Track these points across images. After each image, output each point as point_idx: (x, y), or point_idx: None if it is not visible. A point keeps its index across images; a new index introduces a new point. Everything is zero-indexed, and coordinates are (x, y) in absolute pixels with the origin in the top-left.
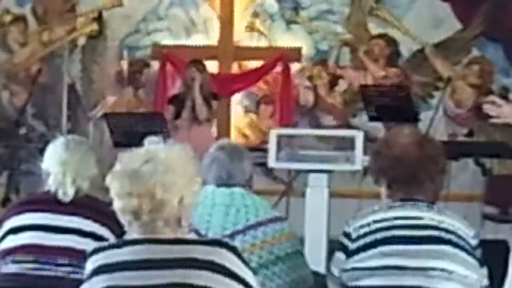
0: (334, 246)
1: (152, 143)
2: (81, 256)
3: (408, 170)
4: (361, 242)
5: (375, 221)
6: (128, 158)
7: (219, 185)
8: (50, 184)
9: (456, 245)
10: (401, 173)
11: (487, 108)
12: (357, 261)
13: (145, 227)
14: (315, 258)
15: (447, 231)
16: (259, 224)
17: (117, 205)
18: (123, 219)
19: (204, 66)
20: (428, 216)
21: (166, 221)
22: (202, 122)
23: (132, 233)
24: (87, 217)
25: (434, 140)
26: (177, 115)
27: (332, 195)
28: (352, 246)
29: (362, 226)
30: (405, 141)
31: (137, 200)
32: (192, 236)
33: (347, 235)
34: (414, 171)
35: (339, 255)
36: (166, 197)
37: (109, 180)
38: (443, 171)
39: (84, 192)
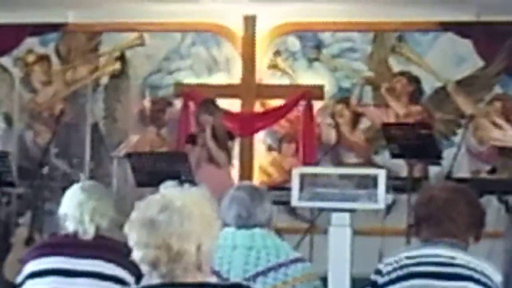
0: (357, 284)
1: (167, 188)
2: None
3: (429, 211)
4: (390, 276)
5: (405, 258)
6: (144, 206)
7: (239, 226)
8: (69, 225)
9: (477, 282)
10: (424, 213)
11: (494, 131)
12: None
13: (164, 277)
14: None
15: (468, 268)
16: (280, 265)
17: (136, 255)
18: (143, 268)
19: (215, 106)
20: (451, 255)
21: (185, 269)
22: (220, 165)
23: (153, 279)
24: (109, 261)
25: (465, 189)
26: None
27: (355, 233)
28: (381, 280)
29: (391, 263)
30: (435, 189)
31: (154, 251)
32: (213, 279)
33: (378, 271)
34: (434, 211)
35: None
36: (183, 247)
37: (127, 229)
38: (471, 217)
39: (104, 230)
